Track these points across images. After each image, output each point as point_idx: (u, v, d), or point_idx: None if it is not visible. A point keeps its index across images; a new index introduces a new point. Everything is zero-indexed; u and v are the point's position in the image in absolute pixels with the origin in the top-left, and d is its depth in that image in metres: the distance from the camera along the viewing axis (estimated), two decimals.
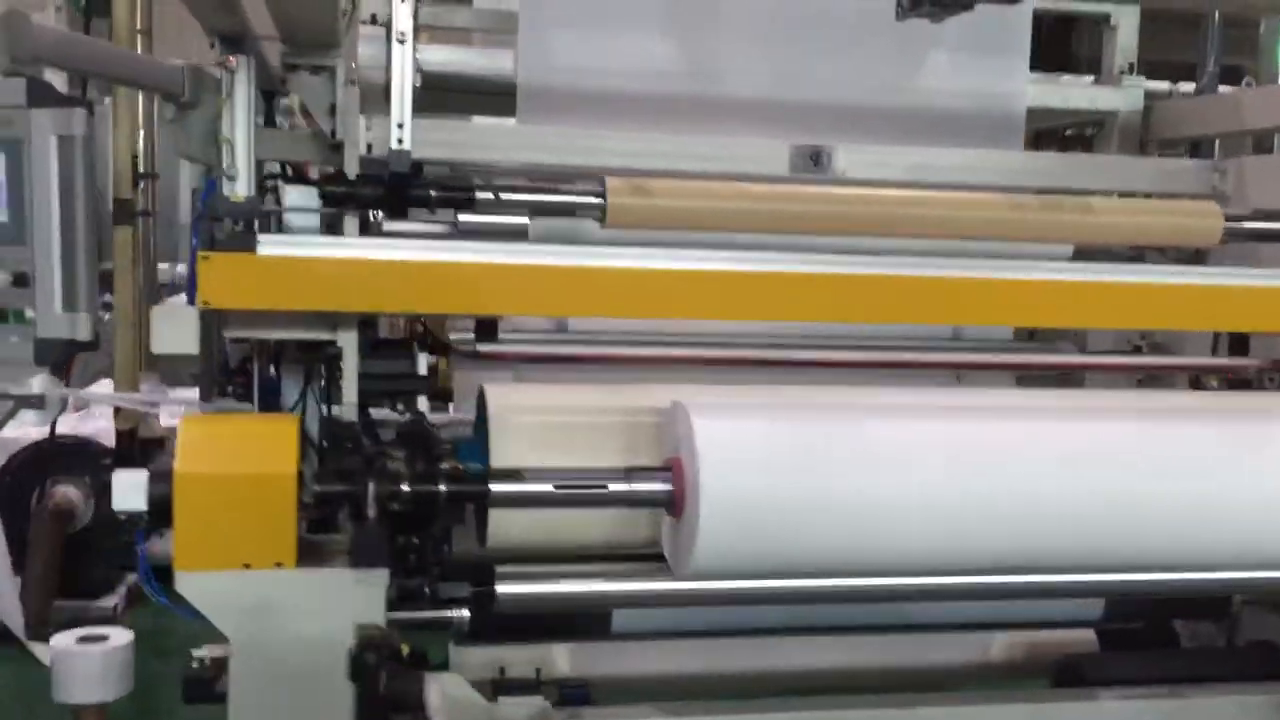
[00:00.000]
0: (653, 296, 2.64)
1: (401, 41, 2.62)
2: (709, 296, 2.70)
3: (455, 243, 2.60)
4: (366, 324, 2.80)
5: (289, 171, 2.90)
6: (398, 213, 2.73)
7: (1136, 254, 3.66)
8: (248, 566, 2.33)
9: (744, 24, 3.66)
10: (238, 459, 2.34)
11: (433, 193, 2.73)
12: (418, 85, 2.75)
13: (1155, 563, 2.66)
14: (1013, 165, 3.69)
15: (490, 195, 2.75)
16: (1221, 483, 2.61)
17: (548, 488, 2.48)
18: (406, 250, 2.57)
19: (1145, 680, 3.06)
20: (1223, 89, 4.07)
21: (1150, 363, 3.40)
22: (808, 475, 2.44)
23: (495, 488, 2.46)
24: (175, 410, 4.44)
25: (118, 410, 5.01)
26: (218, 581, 2.32)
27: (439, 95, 3.30)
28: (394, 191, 2.70)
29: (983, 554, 2.50)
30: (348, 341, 2.70)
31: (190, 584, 2.32)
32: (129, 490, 2.35)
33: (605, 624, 2.88)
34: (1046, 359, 3.59)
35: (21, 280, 2.43)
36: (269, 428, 2.44)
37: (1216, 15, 3.91)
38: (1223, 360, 3.34)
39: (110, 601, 5.12)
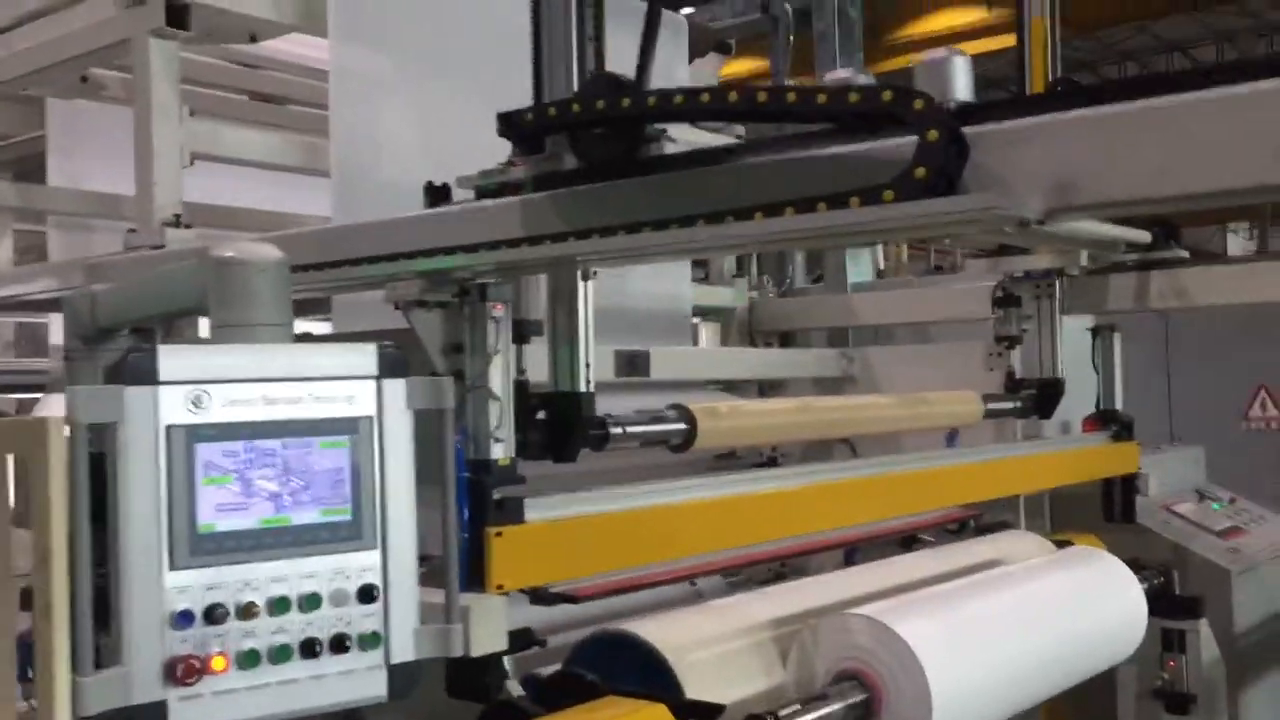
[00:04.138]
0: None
1: (587, 278, 2.47)
2: None
3: (724, 476, 2.51)
4: None
5: None
6: (567, 457, 2.51)
7: None
8: None
9: None
10: None
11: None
12: None
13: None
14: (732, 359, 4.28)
15: (620, 430, 2.65)
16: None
17: None
18: (667, 495, 2.45)
19: None
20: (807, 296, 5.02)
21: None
22: (976, 658, 2.80)
23: None
24: None
25: None
26: None
27: None
28: (570, 435, 2.49)
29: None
30: None
31: None
32: None
33: None
34: None
35: (368, 594, 1.88)
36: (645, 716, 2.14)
37: None
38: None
39: None
